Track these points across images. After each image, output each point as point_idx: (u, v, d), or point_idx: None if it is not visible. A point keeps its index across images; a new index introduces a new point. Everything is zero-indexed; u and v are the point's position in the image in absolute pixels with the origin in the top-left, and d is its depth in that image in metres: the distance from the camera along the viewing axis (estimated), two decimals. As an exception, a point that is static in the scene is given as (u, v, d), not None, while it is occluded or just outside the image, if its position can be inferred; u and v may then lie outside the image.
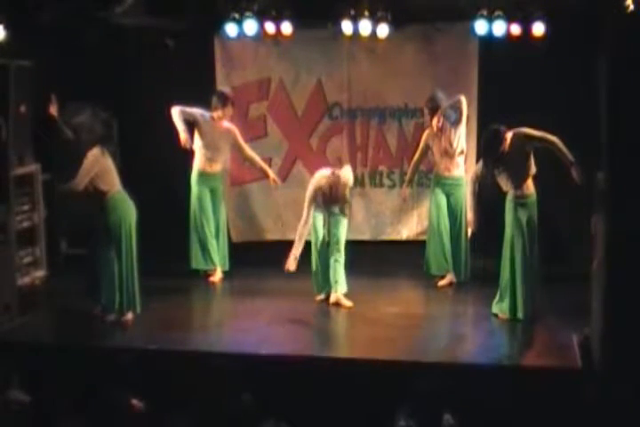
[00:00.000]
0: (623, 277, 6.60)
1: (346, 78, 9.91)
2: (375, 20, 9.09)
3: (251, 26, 9.25)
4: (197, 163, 9.39)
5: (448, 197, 9.20)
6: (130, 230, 8.02)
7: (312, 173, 9.36)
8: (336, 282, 8.45)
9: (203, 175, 9.38)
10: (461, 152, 9.16)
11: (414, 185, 9.70)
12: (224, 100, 9.26)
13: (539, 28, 8.82)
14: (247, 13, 9.21)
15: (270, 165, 9.71)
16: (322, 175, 8.43)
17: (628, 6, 7.51)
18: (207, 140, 9.29)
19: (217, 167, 9.44)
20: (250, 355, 7.46)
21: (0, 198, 8.24)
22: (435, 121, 9.01)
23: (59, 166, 9.10)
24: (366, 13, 9.04)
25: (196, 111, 9.25)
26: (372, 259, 9.54)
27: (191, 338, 7.99)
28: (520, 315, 8.02)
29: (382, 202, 9.98)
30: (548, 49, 8.98)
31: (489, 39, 9.08)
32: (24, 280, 8.63)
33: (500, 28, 8.90)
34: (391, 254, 9.84)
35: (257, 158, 9.44)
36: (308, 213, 8.32)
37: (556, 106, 9.07)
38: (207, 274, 9.51)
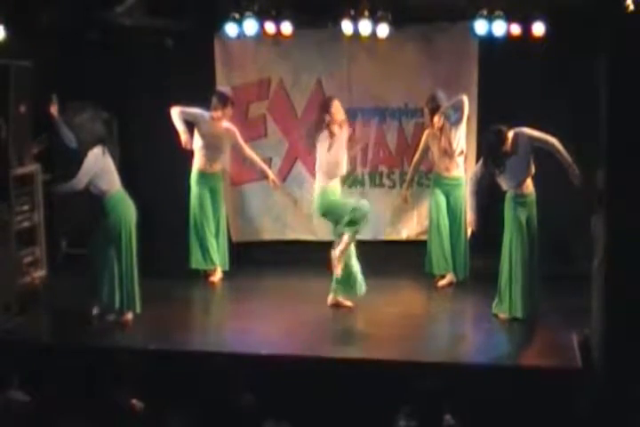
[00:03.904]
0: (623, 277, 6.60)
1: (346, 78, 9.89)
2: (375, 20, 9.06)
3: (251, 26, 9.23)
4: (197, 163, 9.39)
5: (448, 197, 9.21)
6: (129, 230, 8.03)
7: (312, 173, 9.35)
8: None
9: (202, 175, 9.39)
10: (461, 152, 9.16)
11: (414, 185, 9.69)
12: (224, 100, 9.27)
13: (539, 28, 8.81)
14: (247, 13, 9.19)
15: (270, 165, 9.71)
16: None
17: (628, 6, 7.49)
18: (207, 141, 9.29)
19: (217, 167, 9.45)
20: (250, 355, 7.46)
21: (0, 198, 8.24)
22: (436, 119, 9.01)
23: (59, 166, 9.11)
24: (366, 13, 9.02)
25: (196, 111, 9.26)
26: (372, 259, 9.53)
27: (191, 338, 8.01)
28: (519, 314, 8.03)
29: (382, 202, 9.96)
30: (547, 49, 8.98)
31: (489, 39, 9.06)
32: (24, 280, 8.63)
33: (500, 28, 8.88)
34: (391, 254, 9.84)
35: (257, 159, 9.43)
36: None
37: (555, 106, 9.07)
38: (207, 274, 9.52)
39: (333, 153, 8.31)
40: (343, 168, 8.40)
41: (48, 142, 8.97)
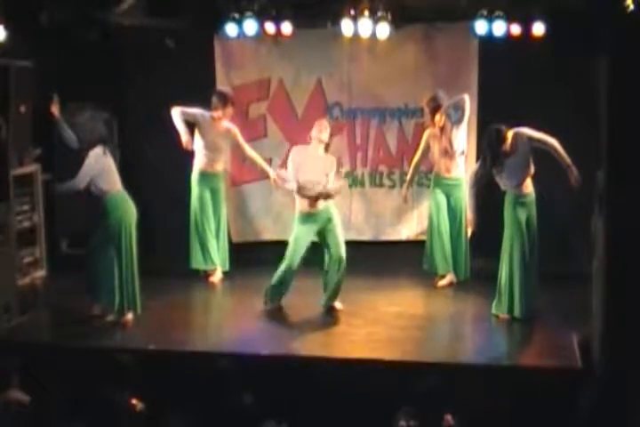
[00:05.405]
0: (623, 277, 6.60)
1: (346, 78, 9.90)
2: (375, 20, 9.07)
3: (251, 26, 9.24)
4: (198, 163, 9.39)
5: (448, 197, 9.20)
6: (130, 230, 8.03)
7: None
8: None
9: (203, 175, 9.39)
10: (462, 153, 9.16)
11: (414, 185, 9.70)
12: (224, 99, 9.27)
13: (539, 28, 8.82)
14: (247, 13, 9.20)
15: (270, 166, 9.71)
16: None
17: (628, 6, 7.51)
18: (207, 141, 9.29)
19: (217, 167, 9.45)
20: (250, 355, 7.46)
21: (0, 198, 8.24)
22: (437, 118, 9.01)
23: (59, 166, 9.12)
24: (366, 13, 9.03)
25: (197, 111, 9.26)
26: (372, 259, 9.54)
27: (191, 338, 8.00)
28: (519, 314, 8.03)
29: (382, 202, 9.98)
30: (547, 49, 8.98)
31: (489, 39, 9.07)
32: (24, 280, 8.63)
33: (499, 28, 8.90)
34: (391, 254, 9.84)
35: (258, 158, 9.43)
36: None
37: (555, 106, 9.08)
38: (207, 274, 9.52)
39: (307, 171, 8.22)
40: (314, 188, 8.22)
41: (40, 155, 8.98)
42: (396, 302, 8.73)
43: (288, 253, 8.36)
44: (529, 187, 8.03)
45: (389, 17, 9.08)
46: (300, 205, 8.27)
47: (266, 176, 9.41)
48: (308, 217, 8.25)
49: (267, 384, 6.79)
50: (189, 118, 9.26)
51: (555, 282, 8.38)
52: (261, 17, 9.25)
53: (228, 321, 8.65)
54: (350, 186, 9.91)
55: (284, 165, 9.93)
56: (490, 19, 8.93)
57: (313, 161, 8.22)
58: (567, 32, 8.70)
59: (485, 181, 8.06)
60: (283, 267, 8.37)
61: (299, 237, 8.29)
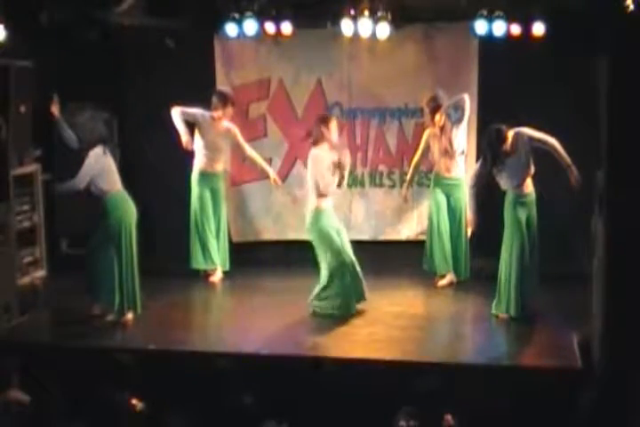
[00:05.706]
0: (623, 277, 6.60)
1: (346, 78, 9.90)
2: (375, 20, 9.07)
3: (251, 26, 9.24)
4: (198, 163, 9.40)
5: (448, 197, 9.21)
6: (130, 230, 8.04)
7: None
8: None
9: (203, 175, 9.39)
10: (462, 152, 9.16)
11: (414, 185, 9.70)
12: (224, 99, 9.27)
13: (539, 28, 8.82)
14: (247, 13, 9.20)
15: (270, 165, 9.71)
16: None
17: (628, 6, 7.51)
18: (207, 140, 9.30)
19: (218, 167, 9.45)
20: (250, 355, 7.46)
21: (0, 198, 8.24)
22: (437, 118, 9.01)
23: (59, 166, 9.12)
24: (366, 13, 9.03)
25: (197, 111, 9.26)
26: (372, 259, 9.53)
27: (191, 338, 8.00)
28: (518, 314, 8.02)
29: (382, 202, 9.97)
30: (547, 49, 8.98)
31: (489, 39, 9.07)
32: (24, 280, 8.63)
33: (499, 28, 8.90)
34: (391, 254, 9.84)
35: (258, 158, 9.44)
36: None
37: (555, 106, 9.08)
38: (207, 274, 9.52)
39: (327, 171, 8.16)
40: (334, 187, 8.23)
41: (40, 155, 8.98)
42: (396, 302, 8.73)
43: (333, 247, 8.20)
44: (529, 187, 8.03)
45: (389, 17, 9.08)
46: (313, 204, 8.24)
47: (266, 176, 9.42)
48: (323, 215, 8.23)
49: (267, 384, 6.79)
50: (189, 118, 9.26)
51: (555, 282, 8.38)
52: (261, 17, 9.25)
53: (228, 321, 8.64)
54: (350, 186, 9.90)
55: (284, 165, 9.99)
56: (490, 19, 8.92)
57: (331, 162, 8.22)
58: (567, 32, 8.70)
59: (485, 181, 8.07)
60: (342, 267, 8.21)
61: (327, 229, 8.21)
